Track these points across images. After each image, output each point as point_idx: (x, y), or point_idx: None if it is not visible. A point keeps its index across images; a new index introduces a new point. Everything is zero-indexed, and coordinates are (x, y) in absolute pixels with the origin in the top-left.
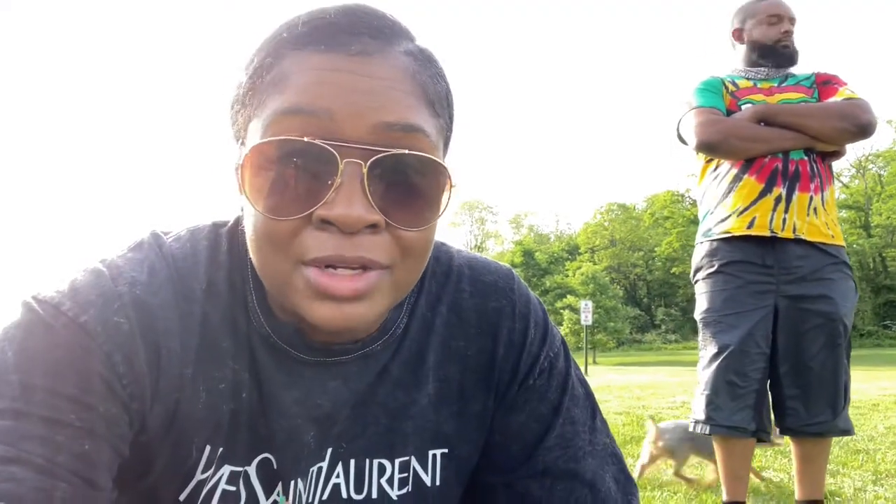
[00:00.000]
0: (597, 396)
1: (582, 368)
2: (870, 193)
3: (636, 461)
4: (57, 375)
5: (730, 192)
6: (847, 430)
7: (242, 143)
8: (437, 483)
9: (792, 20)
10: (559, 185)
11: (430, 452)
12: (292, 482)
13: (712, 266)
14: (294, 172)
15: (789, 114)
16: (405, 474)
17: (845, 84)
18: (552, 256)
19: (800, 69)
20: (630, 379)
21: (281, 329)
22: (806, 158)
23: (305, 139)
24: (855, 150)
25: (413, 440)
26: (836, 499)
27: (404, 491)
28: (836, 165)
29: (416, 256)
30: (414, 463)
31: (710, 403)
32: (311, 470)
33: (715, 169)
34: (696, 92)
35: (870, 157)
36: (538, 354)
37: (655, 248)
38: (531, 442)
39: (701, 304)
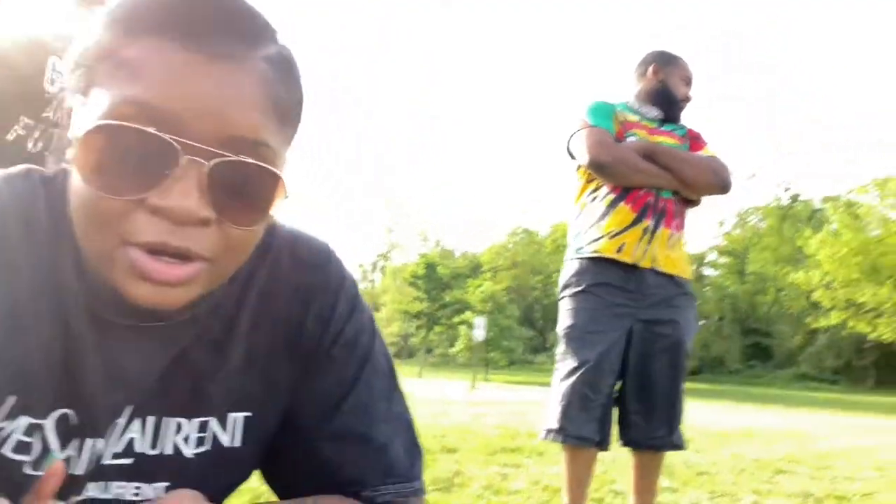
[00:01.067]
0: (480, 410)
1: (471, 384)
2: (747, 243)
3: (502, 468)
4: None
5: (605, 215)
6: (679, 446)
7: (82, 99)
8: (237, 444)
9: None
10: (471, 208)
11: (232, 415)
12: (89, 440)
13: (580, 285)
14: (134, 157)
15: (670, 157)
16: (203, 434)
17: (707, 143)
18: (454, 272)
19: None
20: (518, 395)
21: (97, 291)
22: (673, 198)
23: (152, 130)
24: (739, 202)
25: (216, 402)
26: None
27: (201, 450)
28: (720, 214)
29: (239, 252)
30: (213, 424)
31: (565, 415)
32: (109, 427)
33: (594, 190)
34: (591, 112)
35: (750, 210)
36: (343, 328)
37: (554, 274)
38: (329, 407)
39: (565, 320)
